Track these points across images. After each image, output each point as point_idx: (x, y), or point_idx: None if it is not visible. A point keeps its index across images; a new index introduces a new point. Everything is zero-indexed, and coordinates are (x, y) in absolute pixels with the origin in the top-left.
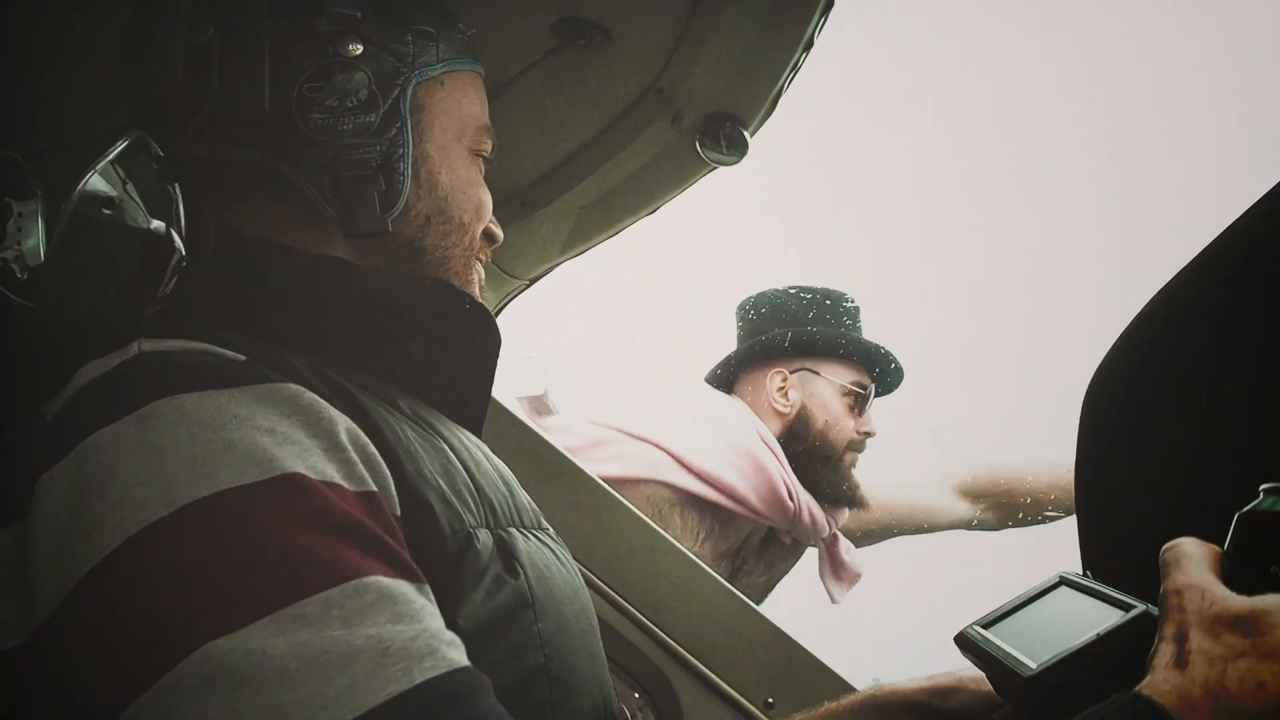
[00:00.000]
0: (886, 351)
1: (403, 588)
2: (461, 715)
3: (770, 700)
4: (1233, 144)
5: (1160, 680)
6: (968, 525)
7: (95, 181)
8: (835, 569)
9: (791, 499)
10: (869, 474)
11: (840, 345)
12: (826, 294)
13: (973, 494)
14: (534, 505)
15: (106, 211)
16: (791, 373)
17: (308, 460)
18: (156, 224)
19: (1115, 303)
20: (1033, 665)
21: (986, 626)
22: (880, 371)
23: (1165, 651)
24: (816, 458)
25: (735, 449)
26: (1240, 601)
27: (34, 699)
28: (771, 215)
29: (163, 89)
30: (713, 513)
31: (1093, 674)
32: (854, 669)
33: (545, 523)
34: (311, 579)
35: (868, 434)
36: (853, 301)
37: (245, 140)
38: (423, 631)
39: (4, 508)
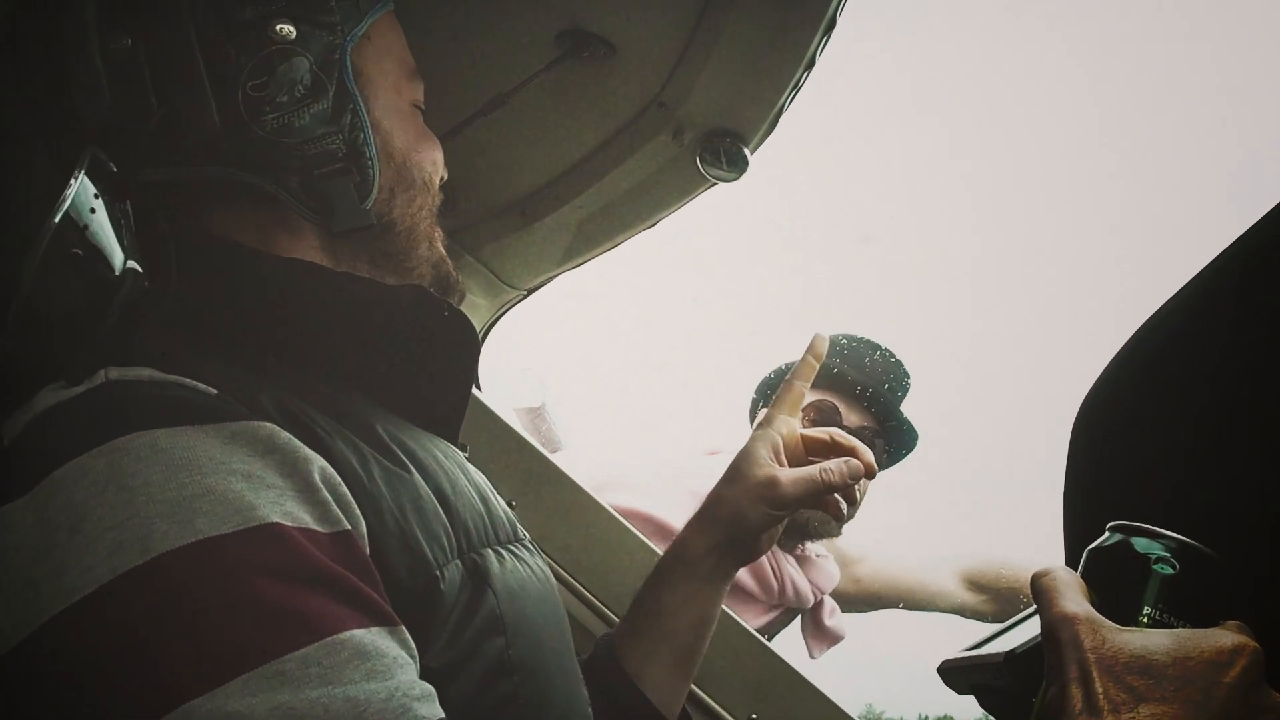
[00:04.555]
0: (850, 376)
1: (376, 641)
2: None
3: (754, 716)
4: (1234, 144)
5: None
6: (962, 612)
7: (70, 213)
8: (817, 630)
9: (775, 574)
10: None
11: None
12: (852, 342)
13: (977, 585)
14: (509, 515)
15: (77, 252)
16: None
17: (283, 506)
18: (121, 267)
19: (1115, 308)
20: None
21: (965, 651)
22: (870, 403)
23: (1074, 696)
24: None
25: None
26: (1131, 641)
27: None
28: (771, 215)
29: (90, 112)
30: None
31: None
32: (843, 689)
33: (521, 532)
34: (289, 636)
35: None
36: (885, 353)
37: (200, 156)
38: (395, 690)
39: None
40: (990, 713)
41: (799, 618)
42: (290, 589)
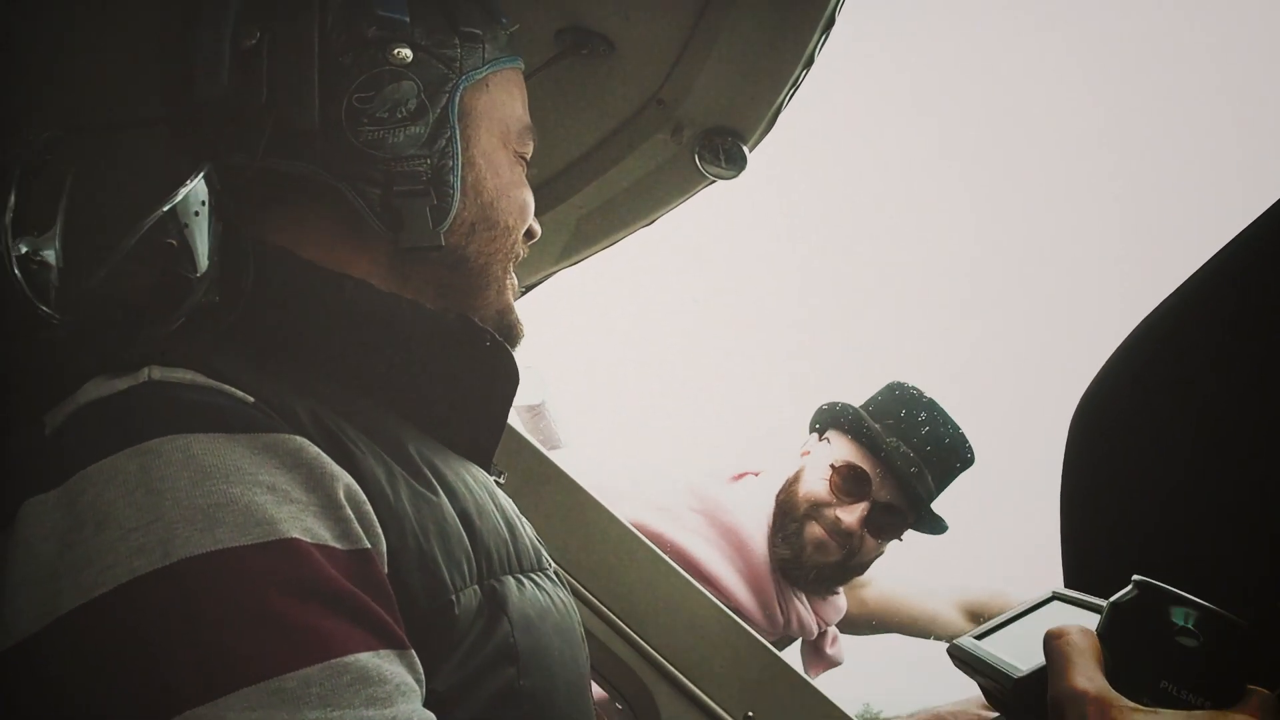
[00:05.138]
0: (908, 468)
1: (381, 666)
2: None
3: (751, 714)
4: (1234, 144)
5: None
6: None
7: (179, 206)
8: (816, 655)
9: (782, 609)
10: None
11: (862, 430)
12: (924, 405)
13: (980, 618)
14: (535, 541)
15: (172, 243)
16: (821, 439)
17: (304, 522)
18: (203, 268)
19: (1115, 307)
20: (1022, 668)
21: (978, 638)
22: (899, 486)
23: None
24: (782, 520)
25: (731, 540)
26: None
27: None
28: (771, 213)
29: (205, 93)
30: None
31: None
32: (843, 688)
33: (546, 560)
34: (295, 654)
35: (837, 520)
36: (950, 430)
37: (294, 152)
38: (394, 718)
39: None
40: (991, 706)
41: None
42: (301, 606)
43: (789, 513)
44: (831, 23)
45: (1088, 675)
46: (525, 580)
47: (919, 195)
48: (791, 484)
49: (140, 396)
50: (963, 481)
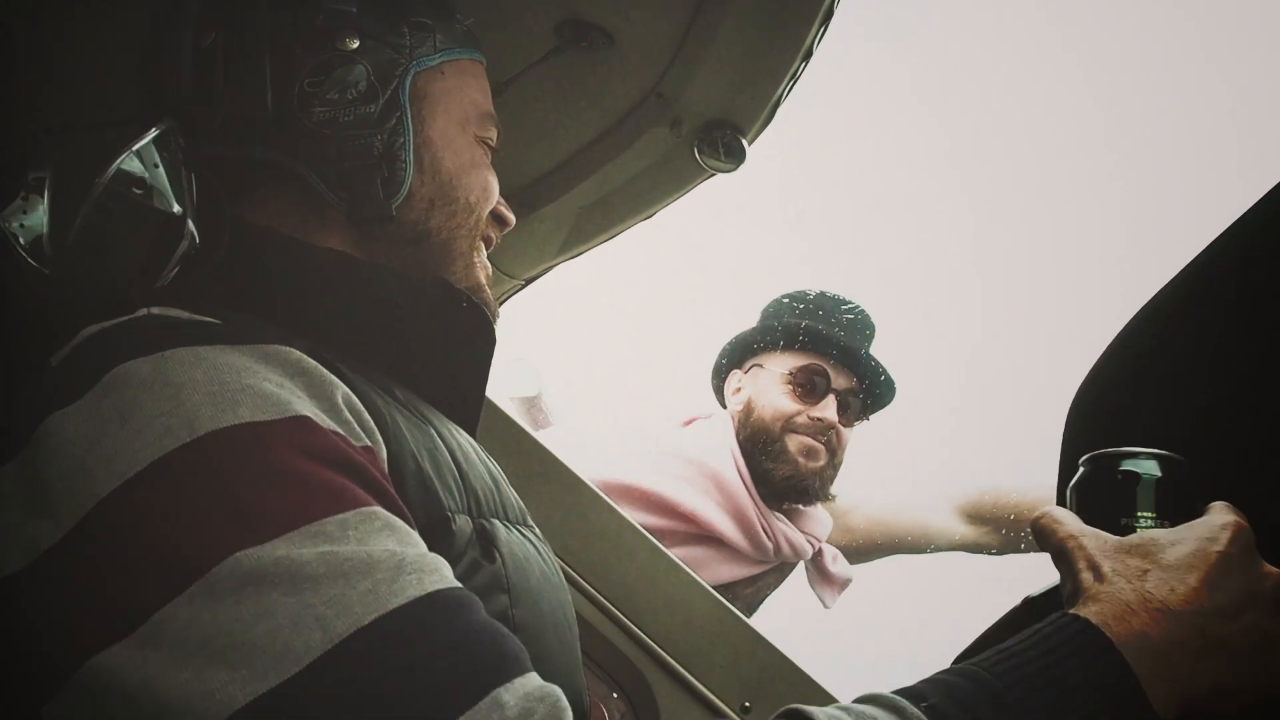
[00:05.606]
0: (841, 340)
1: (402, 524)
2: (466, 620)
3: (747, 704)
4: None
5: (1088, 598)
6: (969, 549)
7: (130, 162)
8: (823, 578)
9: (767, 534)
10: (868, 493)
11: (797, 338)
12: (822, 300)
13: (977, 517)
14: (520, 504)
15: (137, 191)
16: (745, 372)
17: (313, 410)
18: (176, 209)
19: (1111, 305)
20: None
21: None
22: (850, 366)
23: (1085, 579)
24: (760, 448)
25: (704, 473)
26: (1130, 537)
27: (38, 619)
28: (772, 213)
29: (173, 93)
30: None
31: None
32: (839, 683)
33: (530, 521)
34: (329, 503)
35: (819, 420)
36: (853, 308)
37: (251, 138)
38: (427, 555)
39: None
40: None
41: (792, 575)
42: (325, 468)
43: (765, 437)
44: (830, 15)
45: (1076, 526)
46: (513, 529)
47: (919, 194)
48: (747, 415)
49: (142, 322)
50: (961, 476)
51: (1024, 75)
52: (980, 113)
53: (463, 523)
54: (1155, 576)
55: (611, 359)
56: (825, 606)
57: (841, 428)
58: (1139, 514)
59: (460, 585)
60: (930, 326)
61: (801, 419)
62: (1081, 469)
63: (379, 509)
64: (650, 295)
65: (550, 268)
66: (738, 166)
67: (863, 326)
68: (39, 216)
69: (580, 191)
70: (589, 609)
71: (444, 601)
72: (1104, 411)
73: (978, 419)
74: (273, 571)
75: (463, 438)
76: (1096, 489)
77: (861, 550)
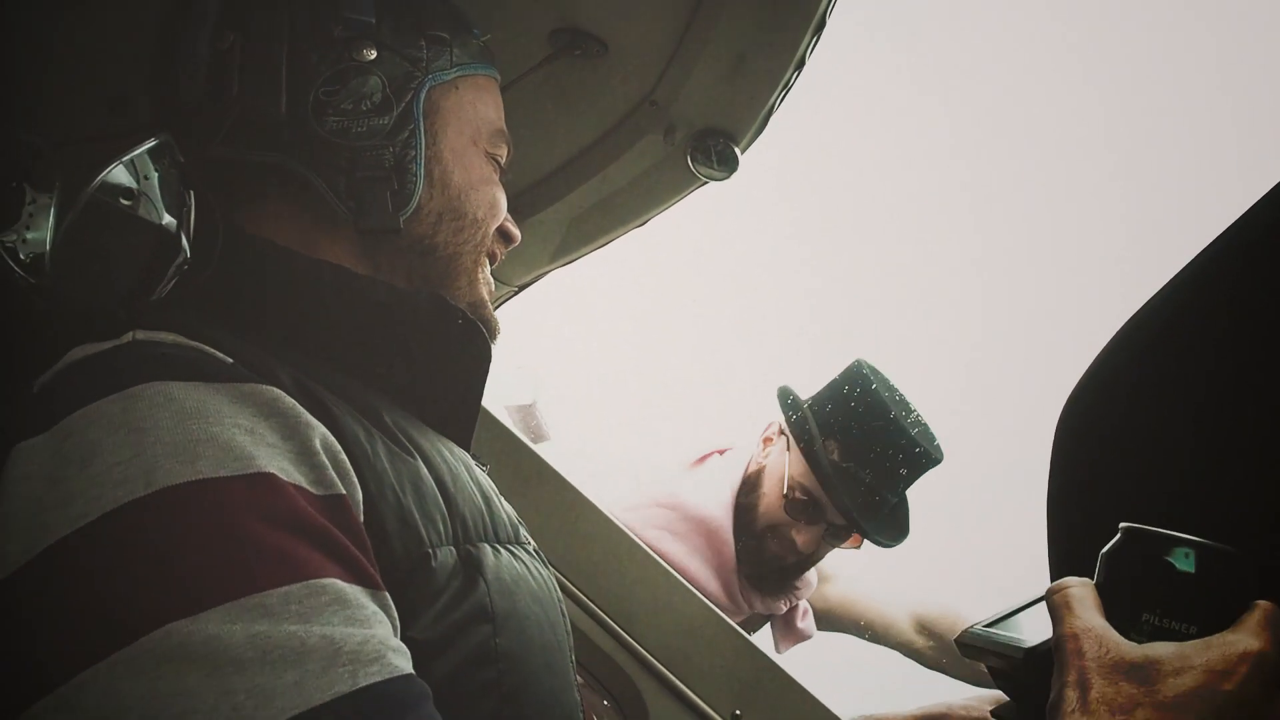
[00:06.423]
0: (861, 495)
1: (357, 594)
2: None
3: (738, 712)
4: (1235, 143)
5: None
6: (906, 651)
7: (118, 173)
8: (786, 629)
9: (743, 596)
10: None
11: (826, 461)
12: (888, 404)
13: (926, 630)
14: (514, 519)
15: (125, 202)
16: (780, 433)
17: (279, 463)
18: (168, 221)
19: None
20: (1032, 642)
21: (988, 626)
22: (857, 529)
23: (1070, 698)
24: (742, 523)
25: (699, 531)
26: (1134, 650)
27: None
28: (772, 212)
29: (187, 94)
30: None
31: None
32: (831, 692)
33: (525, 536)
34: (274, 573)
35: (802, 548)
36: (915, 440)
37: (263, 142)
38: (371, 637)
39: None
40: (1004, 693)
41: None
42: (278, 532)
43: (748, 526)
44: (823, 25)
45: (1087, 616)
46: (501, 550)
47: (920, 193)
48: (754, 485)
49: (124, 352)
50: (954, 485)
51: (1024, 75)
52: (980, 112)
53: (444, 555)
54: (1144, 715)
55: (611, 359)
56: (778, 651)
57: (824, 544)
58: (1161, 618)
59: (406, 674)
60: (930, 326)
61: (784, 530)
62: (1119, 537)
63: (329, 581)
64: (651, 295)
65: (543, 274)
66: (730, 174)
67: (909, 463)
68: (25, 225)
69: (574, 198)
70: (580, 615)
71: (375, 699)
72: (1099, 421)
73: (978, 419)
74: (200, 651)
75: (453, 458)
76: (1128, 568)
77: (824, 620)
